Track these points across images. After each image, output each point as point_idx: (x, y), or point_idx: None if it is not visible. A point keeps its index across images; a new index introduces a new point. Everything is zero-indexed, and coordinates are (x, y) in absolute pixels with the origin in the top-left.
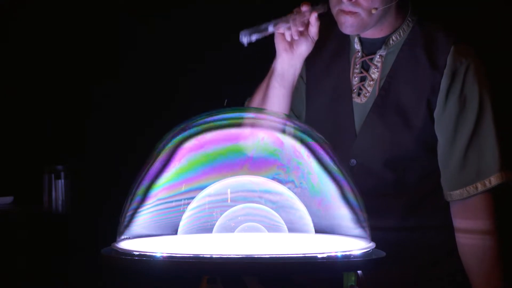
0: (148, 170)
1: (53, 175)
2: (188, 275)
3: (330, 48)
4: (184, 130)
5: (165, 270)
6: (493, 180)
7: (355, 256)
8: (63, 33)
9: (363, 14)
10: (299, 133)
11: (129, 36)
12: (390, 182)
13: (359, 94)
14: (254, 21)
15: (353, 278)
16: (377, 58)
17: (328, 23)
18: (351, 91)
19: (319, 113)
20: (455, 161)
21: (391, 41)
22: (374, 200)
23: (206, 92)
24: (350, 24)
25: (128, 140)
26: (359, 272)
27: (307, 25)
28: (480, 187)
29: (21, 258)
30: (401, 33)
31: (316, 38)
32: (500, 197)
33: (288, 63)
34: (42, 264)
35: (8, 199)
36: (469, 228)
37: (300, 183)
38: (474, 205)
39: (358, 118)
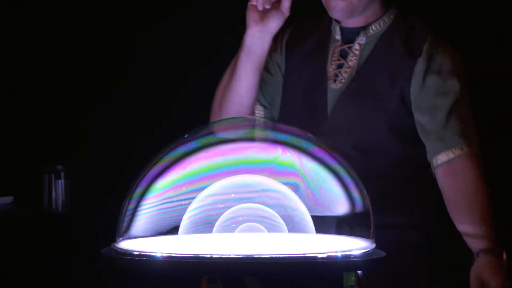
0: (149, 172)
1: (53, 175)
2: (188, 275)
3: (312, 42)
4: (194, 137)
5: (165, 270)
6: (477, 150)
7: (355, 256)
8: (64, 33)
9: None
10: (302, 141)
11: (130, 36)
12: (359, 164)
13: (335, 81)
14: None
15: (353, 278)
16: (355, 46)
17: (312, 20)
18: (326, 77)
19: (295, 99)
20: (439, 127)
21: (370, 30)
22: None
23: (208, 93)
24: (340, 8)
25: (129, 140)
26: (359, 272)
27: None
28: (465, 148)
29: (21, 258)
30: (381, 24)
31: (287, 14)
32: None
33: (258, 35)
34: (42, 264)
35: (8, 199)
36: (456, 187)
37: (311, 188)
38: (460, 167)
39: (332, 103)
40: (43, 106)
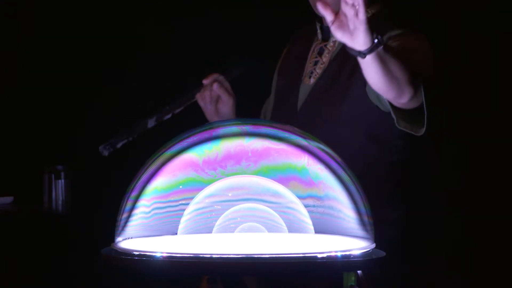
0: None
1: (53, 175)
2: (188, 275)
3: (300, 45)
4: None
5: (165, 270)
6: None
7: (355, 256)
8: (63, 32)
9: None
10: (307, 141)
11: (129, 37)
12: None
13: (310, 77)
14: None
15: (353, 278)
16: (330, 43)
17: (308, 26)
18: (299, 75)
19: (276, 97)
20: None
21: None
22: None
23: None
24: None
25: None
26: (359, 272)
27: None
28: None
29: (21, 258)
30: None
31: (229, 99)
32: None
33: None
34: (42, 264)
35: (8, 199)
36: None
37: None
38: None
39: (303, 98)
40: (43, 106)
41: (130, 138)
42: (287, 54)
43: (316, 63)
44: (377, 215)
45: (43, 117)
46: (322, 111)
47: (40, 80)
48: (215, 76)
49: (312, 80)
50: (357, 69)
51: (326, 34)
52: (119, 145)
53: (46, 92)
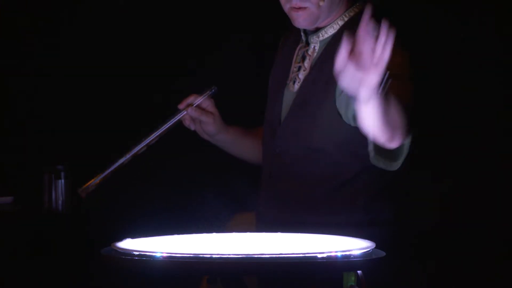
0: None
1: (53, 175)
2: (188, 275)
3: (289, 44)
4: None
5: (165, 270)
6: None
7: (355, 256)
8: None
9: (312, 8)
10: None
11: (127, 35)
12: (306, 167)
13: (294, 83)
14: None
15: (353, 278)
16: (310, 49)
17: (294, 29)
18: (285, 79)
19: (267, 99)
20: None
21: (324, 33)
22: (297, 187)
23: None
24: (302, 19)
25: (129, 140)
26: (359, 272)
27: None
28: None
29: (21, 258)
30: (334, 27)
31: (209, 118)
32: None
33: (213, 138)
34: (42, 264)
35: (8, 199)
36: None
37: None
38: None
39: (287, 107)
40: (43, 106)
41: (103, 180)
42: (278, 54)
43: (299, 68)
44: (366, 217)
45: (43, 117)
46: (301, 124)
47: (39, 80)
48: (189, 99)
49: (296, 87)
50: (330, 83)
51: (309, 38)
52: (93, 188)
53: (46, 91)
